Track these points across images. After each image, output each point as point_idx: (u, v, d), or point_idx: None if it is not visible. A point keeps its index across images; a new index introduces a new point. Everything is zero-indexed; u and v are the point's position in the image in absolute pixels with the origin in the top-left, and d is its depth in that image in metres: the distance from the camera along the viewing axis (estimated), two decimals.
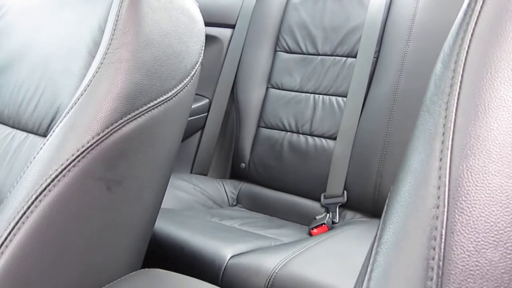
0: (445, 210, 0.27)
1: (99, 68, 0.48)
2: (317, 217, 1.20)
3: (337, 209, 1.20)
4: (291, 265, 0.76)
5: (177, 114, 0.56)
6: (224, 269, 0.78)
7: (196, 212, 1.19)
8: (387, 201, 0.32)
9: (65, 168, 0.44)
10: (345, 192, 1.20)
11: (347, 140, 1.21)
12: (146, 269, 0.49)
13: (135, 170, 0.50)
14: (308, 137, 1.28)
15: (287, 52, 1.38)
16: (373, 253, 0.30)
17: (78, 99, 0.48)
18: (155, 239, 0.86)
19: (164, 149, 0.54)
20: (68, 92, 0.59)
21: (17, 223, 0.42)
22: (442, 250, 0.27)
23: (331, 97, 1.28)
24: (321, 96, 1.29)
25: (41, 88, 0.64)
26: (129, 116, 0.48)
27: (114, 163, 0.47)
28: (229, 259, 0.79)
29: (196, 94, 1.41)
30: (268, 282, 0.74)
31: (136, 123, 0.49)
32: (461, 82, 0.30)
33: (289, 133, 1.31)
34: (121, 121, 0.47)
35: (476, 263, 0.27)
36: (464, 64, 0.30)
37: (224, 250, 0.81)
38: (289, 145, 1.30)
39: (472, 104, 0.29)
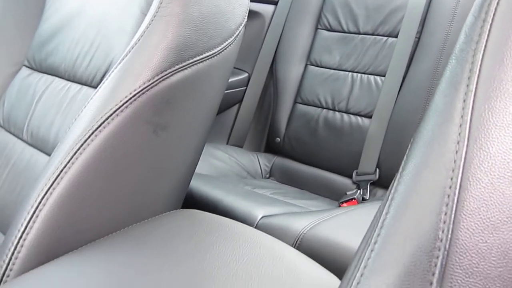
0: (465, 145, 0.30)
1: (152, 20, 0.52)
2: (347, 193, 1.22)
3: (368, 186, 1.22)
4: (319, 228, 0.79)
5: (220, 71, 0.59)
6: (255, 228, 0.82)
7: (230, 179, 1.23)
8: (411, 139, 0.34)
9: (118, 109, 0.48)
10: (377, 169, 1.21)
11: (382, 118, 1.22)
12: (185, 209, 0.54)
13: (179, 118, 0.54)
14: (344, 114, 1.30)
15: (328, 30, 1.39)
16: (394, 184, 0.33)
17: (132, 47, 0.52)
18: (191, 197, 0.91)
19: (206, 103, 0.58)
20: (121, 47, 0.64)
21: (74, 155, 0.47)
22: (459, 180, 0.29)
23: (369, 76, 1.29)
24: (359, 74, 1.30)
25: (95, 44, 0.69)
26: (177, 67, 0.52)
27: (161, 109, 0.51)
28: (260, 219, 0.83)
29: (236, 68, 1.44)
30: (296, 242, 0.77)
31: (182, 74, 0.52)
32: (489, 30, 0.32)
33: (325, 110, 1.33)
34: (170, 70, 0.51)
35: (491, 194, 0.29)
36: (494, 14, 0.32)
37: (256, 210, 0.85)
38: (325, 122, 1.32)
39: (498, 51, 0.31)
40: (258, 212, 0.84)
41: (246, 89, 1.45)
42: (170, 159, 0.54)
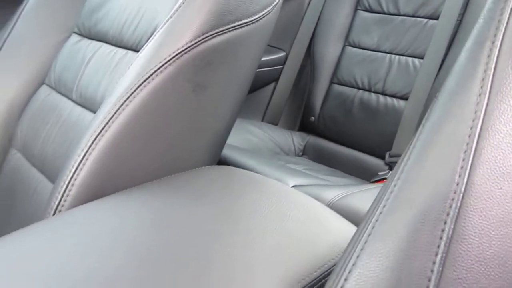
0: (486, 97, 0.31)
1: None
2: (379, 173, 1.23)
3: None
4: (348, 199, 0.81)
5: (258, 38, 0.62)
6: None
7: (264, 153, 1.27)
8: (436, 94, 0.36)
9: (161, 66, 0.52)
10: None
11: (418, 101, 1.22)
12: (220, 165, 0.57)
13: (218, 79, 0.57)
14: (380, 95, 1.30)
15: (368, 11, 1.38)
16: (417, 134, 0.35)
17: (177, 10, 0.55)
18: (225, 164, 0.95)
19: (244, 67, 0.61)
20: (165, 12, 0.67)
21: (120, 106, 0.51)
22: (478, 130, 0.31)
23: (407, 58, 1.28)
24: (397, 56, 1.30)
25: (142, 10, 0.72)
26: (217, 30, 0.54)
27: (201, 69, 0.54)
28: (291, 187, 0.86)
29: (274, 47, 1.46)
30: None
31: (222, 38, 0.55)
32: None
33: (361, 90, 1.33)
34: (211, 33, 0.54)
35: (508, 144, 0.31)
36: None
37: (287, 180, 0.88)
38: (360, 103, 1.32)
39: None
40: (289, 181, 0.87)
41: (283, 67, 1.47)
42: (207, 118, 0.58)
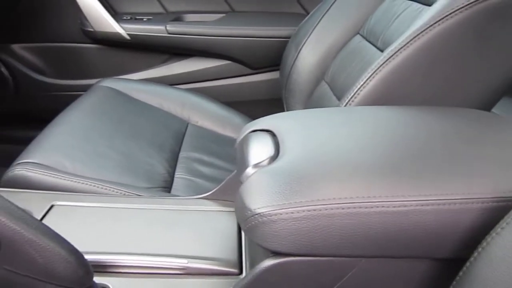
0: None
1: None
2: None
3: None
4: None
5: None
6: None
7: None
8: None
9: (452, 13, 0.61)
10: None
11: None
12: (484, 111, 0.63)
13: (505, 34, 0.62)
14: None
15: None
16: None
17: None
18: None
19: None
20: None
21: (403, 46, 0.64)
22: None
23: None
24: None
25: None
26: None
27: (491, 20, 0.60)
28: None
29: None
30: None
31: None
32: None
33: None
34: None
35: None
36: None
37: None
38: None
39: None
40: None
41: None
42: (485, 68, 0.64)
